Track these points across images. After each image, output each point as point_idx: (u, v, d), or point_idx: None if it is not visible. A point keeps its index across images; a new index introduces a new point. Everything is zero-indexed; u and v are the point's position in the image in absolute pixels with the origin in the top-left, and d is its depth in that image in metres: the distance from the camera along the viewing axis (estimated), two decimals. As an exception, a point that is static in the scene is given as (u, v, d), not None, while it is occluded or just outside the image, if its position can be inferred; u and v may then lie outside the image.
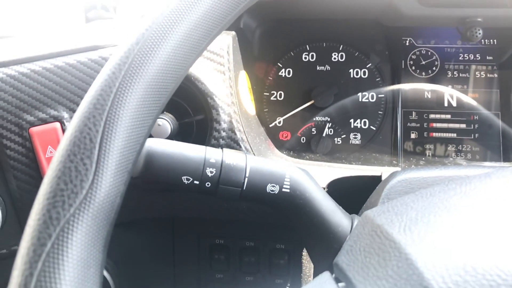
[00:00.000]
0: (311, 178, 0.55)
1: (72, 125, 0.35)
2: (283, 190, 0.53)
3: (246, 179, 0.52)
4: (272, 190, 0.52)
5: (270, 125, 1.02)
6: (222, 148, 0.75)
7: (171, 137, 0.78)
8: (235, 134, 0.76)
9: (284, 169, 0.53)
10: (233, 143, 0.76)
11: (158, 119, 0.76)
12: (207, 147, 0.53)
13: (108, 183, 0.33)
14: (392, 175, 0.58)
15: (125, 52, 0.37)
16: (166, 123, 0.76)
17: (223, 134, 0.75)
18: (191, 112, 0.80)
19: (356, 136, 0.99)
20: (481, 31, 0.89)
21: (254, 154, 0.77)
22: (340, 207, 0.55)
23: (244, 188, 0.52)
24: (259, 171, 0.53)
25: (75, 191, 0.32)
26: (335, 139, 1.00)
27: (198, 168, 0.51)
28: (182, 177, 0.51)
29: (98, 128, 0.34)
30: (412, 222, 0.36)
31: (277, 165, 0.54)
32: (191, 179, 0.51)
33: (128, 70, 0.36)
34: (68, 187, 0.32)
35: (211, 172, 0.51)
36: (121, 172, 0.35)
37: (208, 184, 0.52)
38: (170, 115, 0.79)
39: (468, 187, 0.41)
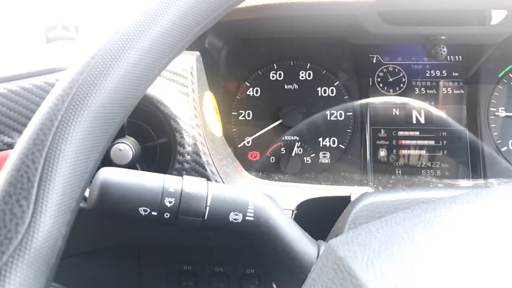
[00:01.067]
0: (275, 204, 0.53)
1: (9, 163, 0.32)
2: (247, 218, 0.50)
3: (208, 208, 0.50)
4: (235, 219, 0.50)
5: (239, 145, 1.01)
6: (183, 175, 0.73)
7: (134, 161, 0.75)
8: (200, 157, 0.73)
9: (248, 196, 0.51)
10: (198, 167, 0.73)
11: (119, 144, 0.73)
12: (166, 175, 0.51)
13: (47, 225, 0.31)
14: (359, 199, 0.57)
15: (68, 82, 0.35)
16: (127, 147, 0.73)
17: (188, 157, 0.73)
18: (154, 135, 0.78)
19: (326, 155, 0.98)
20: (445, 49, 0.90)
21: (221, 177, 0.75)
22: (306, 234, 0.53)
23: (206, 217, 0.50)
24: (221, 199, 0.50)
25: (9, 237, 0.29)
26: (305, 158, 0.99)
27: (156, 198, 0.49)
28: (139, 209, 0.49)
29: (37, 166, 0.32)
30: (375, 254, 0.35)
31: (240, 192, 0.52)
32: (149, 210, 0.49)
33: (72, 102, 0.34)
34: (1, 232, 0.29)
35: (170, 202, 0.49)
36: (63, 212, 0.32)
37: (167, 215, 0.49)
38: (132, 139, 0.76)
39: (432, 214, 0.40)
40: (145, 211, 0.49)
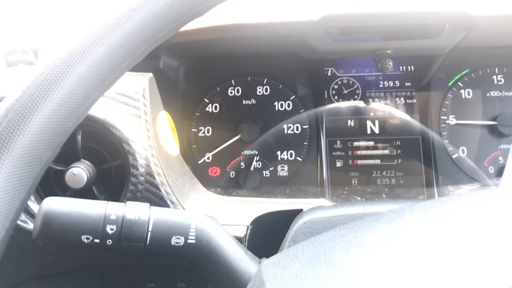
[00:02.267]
0: (218, 225, 0.55)
1: None
2: (189, 241, 0.52)
3: (149, 233, 0.51)
4: (177, 242, 0.52)
5: (199, 162, 1.02)
6: (137, 196, 0.75)
7: (89, 184, 0.76)
8: (154, 178, 0.75)
9: (190, 220, 0.53)
10: (152, 188, 0.75)
11: (73, 168, 0.74)
12: (109, 203, 0.52)
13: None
14: (299, 216, 0.59)
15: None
16: (81, 171, 0.74)
17: (141, 179, 0.74)
18: (109, 158, 0.79)
19: (284, 168, 1.01)
20: (391, 63, 0.93)
21: (176, 196, 0.76)
22: (249, 253, 0.55)
23: (148, 243, 0.51)
24: (163, 223, 0.52)
25: None
26: (264, 172, 1.01)
27: (98, 225, 0.50)
28: (82, 236, 0.50)
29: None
30: (291, 278, 0.36)
31: (183, 215, 0.53)
32: (91, 238, 0.50)
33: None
34: None
35: (112, 229, 0.50)
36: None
37: (109, 242, 0.50)
38: (87, 162, 0.77)
39: (354, 234, 0.42)
40: (87, 238, 0.50)
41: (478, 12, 0.87)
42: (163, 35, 0.44)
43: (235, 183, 1.00)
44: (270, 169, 1.01)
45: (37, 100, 0.37)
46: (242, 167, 1.01)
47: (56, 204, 0.51)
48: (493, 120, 1.00)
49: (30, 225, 0.74)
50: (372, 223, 0.44)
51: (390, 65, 0.93)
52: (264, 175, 1.00)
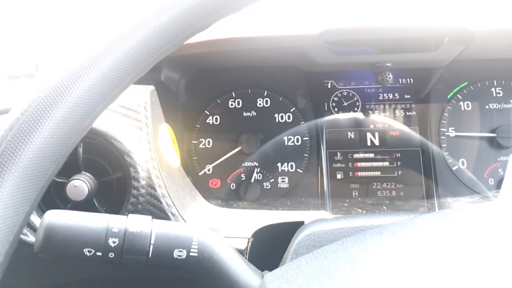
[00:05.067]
0: (220, 238, 0.55)
1: None
2: (191, 254, 0.52)
3: (152, 247, 0.51)
4: (180, 255, 0.52)
5: (200, 173, 1.02)
6: (138, 209, 0.75)
7: (90, 197, 0.76)
8: (155, 190, 0.75)
9: (192, 232, 0.53)
10: (153, 200, 0.75)
11: (74, 181, 0.75)
12: (111, 215, 0.52)
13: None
14: (301, 229, 0.59)
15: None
16: (82, 184, 0.74)
17: (143, 191, 0.74)
18: (110, 170, 0.79)
19: (284, 180, 1.01)
20: (391, 75, 0.94)
21: (177, 209, 0.76)
22: (251, 265, 0.55)
23: (150, 255, 0.51)
24: (165, 236, 0.52)
25: None
26: (264, 183, 1.01)
27: (100, 239, 0.50)
28: (84, 250, 0.50)
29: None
30: (296, 292, 0.37)
31: (185, 228, 0.53)
32: (93, 251, 0.50)
33: (0, 158, 0.35)
34: None
35: (114, 242, 0.50)
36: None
37: (111, 255, 0.50)
38: (88, 174, 0.77)
39: (359, 247, 0.42)
40: (89, 252, 0.50)
41: (477, 27, 0.88)
42: (166, 49, 0.45)
43: (235, 195, 1.00)
44: (271, 180, 1.01)
45: (42, 114, 0.38)
46: (242, 179, 1.01)
47: (58, 217, 0.51)
48: (492, 132, 1.01)
49: (30, 238, 0.74)
50: (375, 236, 0.45)
51: (390, 78, 0.93)
52: (265, 187, 1.00)
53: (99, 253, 0.50)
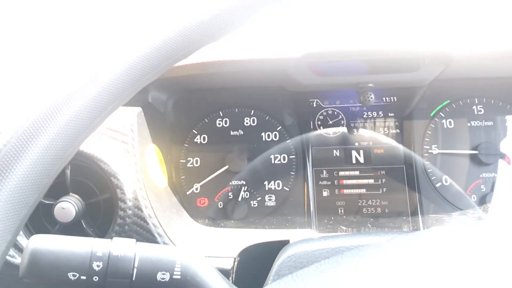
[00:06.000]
0: (203, 260, 0.56)
1: None
2: (174, 277, 0.53)
3: (135, 270, 0.52)
4: (163, 278, 0.53)
5: (188, 192, 1.03)
6: (125, 230, 0.76)
7: (78, 218, 0.77)
8: (142, 211, 0.76)
9: (175, 255, 0.54)
10: (140, 221, 0.76)
11: (62, 203, 0.75)
12: (96, 239, 0.53)
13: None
14: (283, 250, 0.60)
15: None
16: (70, 205, 0.75)
17: (129, 212, 0.75)
18: (97, 192, 0.80)
19: (271, 198, 1.02)
20: (373, 96, 0.96)
21: (163, 229, 0.77)
22: (234, 287, 0.56)
23: (134, 279, 0.52)
24: (149, 259, 0.53)
25: None
26: (251, 202, 1.02)
27: (84, 263, 0.51)
28: (68, 274, 0.51)
29: None
30: (271, 315, 0.38)
31: (168, 251, 0.54)
32: (78, 275, 0.51)
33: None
34: None
35: (98, 266, 0.51)
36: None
37: (95, 278, 0.51)
38: (75, 196, 0.78)
39: (336, 269, 0.44)
40: (74, 275, 0.51)
41: (454, 49, 0.90)
42: (147, 79, 0.46)
43: (223, 213, 1.01)
44: (258, 199, 1.02)
45: (24, 145, 0.39)
46: (230, 198, 1.02)
47: (43, 242, 0.51)
48: (474, 149, 1.03)
49: (17, 259, 0.75)
50: (352, 258, 0.46)
51: (371, 98, 0.96)
52: (252, 205, 1.02)
53: (83, 277, 0.51)
